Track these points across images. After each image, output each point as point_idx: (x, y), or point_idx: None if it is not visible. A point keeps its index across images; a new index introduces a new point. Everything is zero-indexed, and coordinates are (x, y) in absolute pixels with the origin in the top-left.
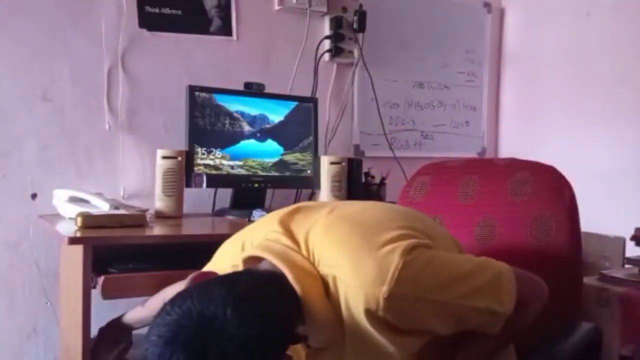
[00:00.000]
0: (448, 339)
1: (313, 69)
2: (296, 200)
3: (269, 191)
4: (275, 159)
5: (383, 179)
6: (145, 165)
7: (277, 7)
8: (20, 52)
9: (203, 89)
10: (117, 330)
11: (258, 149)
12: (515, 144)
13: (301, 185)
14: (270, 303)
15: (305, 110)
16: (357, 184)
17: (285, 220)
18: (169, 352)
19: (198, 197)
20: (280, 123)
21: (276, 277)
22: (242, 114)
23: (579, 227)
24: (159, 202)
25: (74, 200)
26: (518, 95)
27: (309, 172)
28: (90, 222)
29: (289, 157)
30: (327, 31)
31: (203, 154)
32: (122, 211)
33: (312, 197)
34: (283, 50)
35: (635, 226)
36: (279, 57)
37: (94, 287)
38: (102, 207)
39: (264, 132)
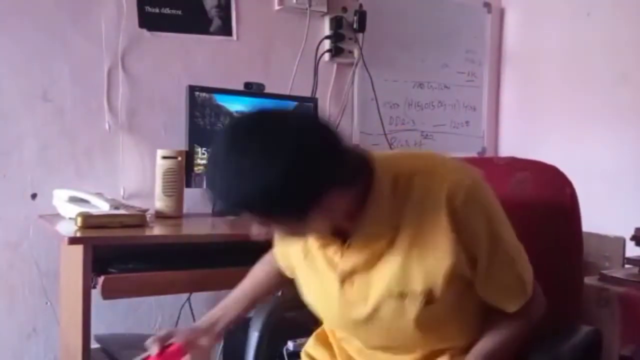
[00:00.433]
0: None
1: (313, 69)
2: None
3: None
4: None
5: None
6: (145, 165)
7: (277, 7)
8: (20, 52)
9: (203, 89)
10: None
11: None
12: (515, 143)
13: None
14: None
15: (305, 110)
16: None
17: None
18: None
19: (198, 197)
20: None
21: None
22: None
23: (581, 227)
24: (159, 202)
25: (74, 200)
26: (518, 95)
27: None
28: (90, 222)
29: None
30: (327, 31)
31: (203, 154)
32: (122, 211)
33: None
34: (283, 50)
35: (635, 226)
36: (279, 57)
37: (94, 287)
38: (102, 207)
39: None
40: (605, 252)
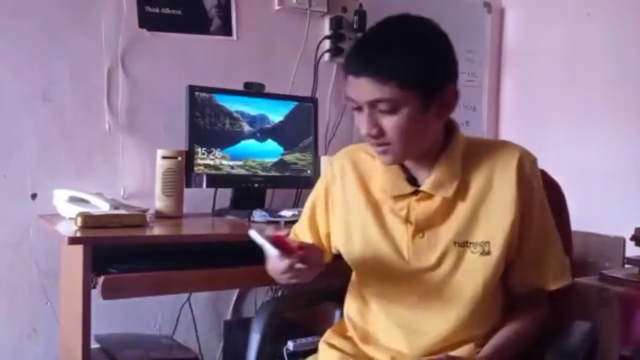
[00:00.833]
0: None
1: (313, 69)
2: (296, 201)
3: (269, 191)
4: (275, 159)
5: None
6: (145, 165)
7: (277, 7)
8: (20, 52)
9: (203, 89)
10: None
11: (258, 149)
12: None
13: (301, 185)
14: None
15: (305, 110)
16: None
17: None
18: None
19: (198, 197)
20: (280, 123)
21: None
22: (242, 114)
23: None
24: (159, 202)
25: (74, 200)
26: (518, 95)
27: (309, 172)
28: (90, 222)
29: (289, 157)
30: (327, 31)
31: (203, 154)
32: (122, 211)
33: None
34: (283, 50)
35: (635, 226)
36: (279, 57)
37: (94, 287)
38: (102, 207)
39: (264, 132)
40: (605, 252)
